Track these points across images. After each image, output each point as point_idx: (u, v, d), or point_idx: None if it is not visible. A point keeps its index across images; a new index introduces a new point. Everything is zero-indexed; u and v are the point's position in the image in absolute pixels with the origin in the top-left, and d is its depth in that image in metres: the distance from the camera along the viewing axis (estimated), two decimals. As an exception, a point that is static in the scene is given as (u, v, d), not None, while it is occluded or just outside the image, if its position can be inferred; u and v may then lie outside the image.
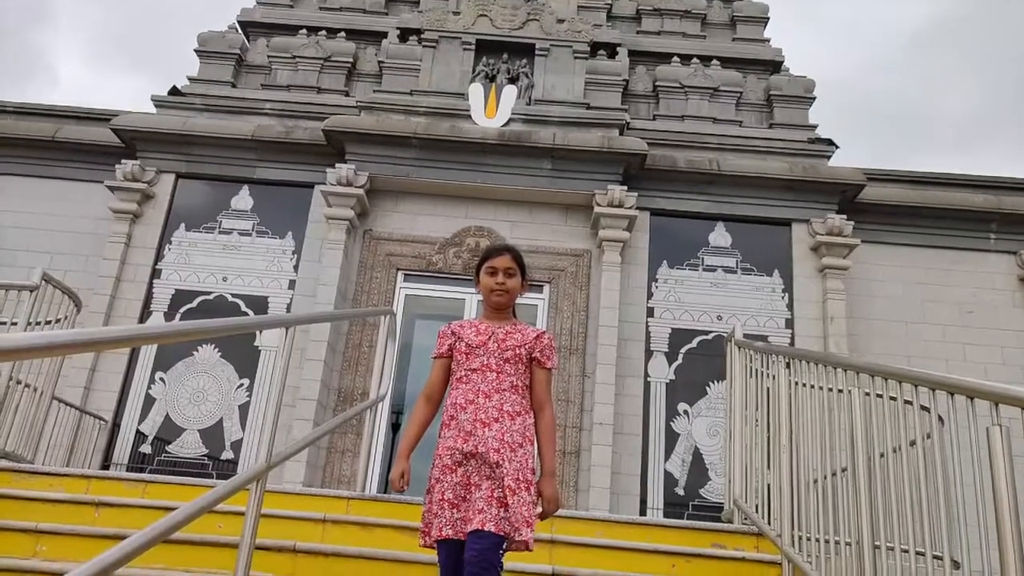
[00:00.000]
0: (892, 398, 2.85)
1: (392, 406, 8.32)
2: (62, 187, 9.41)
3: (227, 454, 8.04)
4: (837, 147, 9.34)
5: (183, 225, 8.94)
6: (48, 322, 5.10)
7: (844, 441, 3.15)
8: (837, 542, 3.12)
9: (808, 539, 3.37)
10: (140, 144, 9.11)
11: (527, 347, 2.75)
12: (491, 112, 9.09)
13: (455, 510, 2.53)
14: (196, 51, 10.03)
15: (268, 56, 10.13)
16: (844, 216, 8.67)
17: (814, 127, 9.62)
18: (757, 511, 4.06)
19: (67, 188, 9.40)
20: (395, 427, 8.44)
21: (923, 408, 2.78)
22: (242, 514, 2.79)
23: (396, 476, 2.67)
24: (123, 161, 8.91)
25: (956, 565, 2.95)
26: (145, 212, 8.91)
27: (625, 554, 3.66)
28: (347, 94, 9.89)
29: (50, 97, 41.66)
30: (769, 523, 3.84)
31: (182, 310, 8.54)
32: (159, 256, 8.79)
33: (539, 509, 2.64)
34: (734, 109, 9.84)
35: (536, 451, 2.73)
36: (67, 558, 3.15)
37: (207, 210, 9.01)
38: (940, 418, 2.65)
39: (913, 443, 2.75)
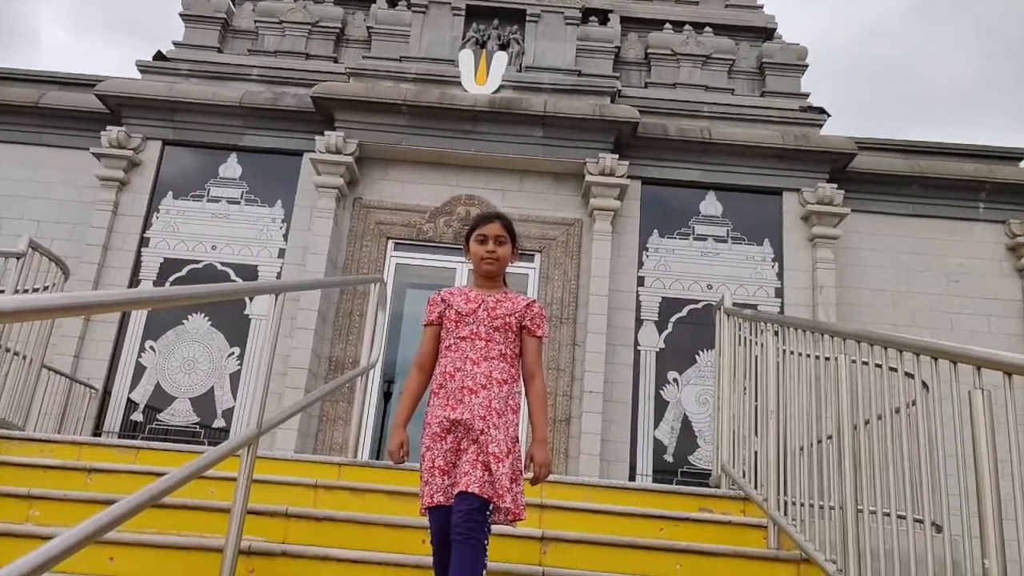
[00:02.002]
0: (878, 365, 2.88)
1: (383, 374, 8.34)
2: (47, 154, 9.28)
3: (219, 422, 8.07)
4: (829, 115, 9.32)
5: (171, 193, 8.85)
6: (35, 289, 5.08)
7: (830, 408, 3.19)
8: (822, 506, 3.17)
9: (794, 503, 3.42)
10: (126, 110, 8.98)
11: (517, 315, 2.74)
12: (482, 79, 8.99)
13: (446, 477, 2.55)
14: (181, 15, 9.85)
15: (255, 21, 9.97)
16: (835, 185, 8.67)
17: (806, 95, 9.58)
18: (744, 477, 4.12)
19: (52, 155, 9.28)
20: (387, 395, 8.47)
21: (908, 375, 2.81)
22: (234, 480, 2.81)
23: (395, 447, 2.67)
24: (108, 128, 8.79)
25: (938, 529, 3.02)
26: (132, 180, 8.81)
27: (614, 518, 3.71)
28: (336, 60, 9.76)
29: (33, 62, 40.96)
30: (756, 488, 3.90)
31: (171, 279, 8.50)
32: (147, 224, 8.71)
33: (530, 474, 2.66)
34: (726, 77, 9.77)
35: (528, 419, 2.75)
36: (60, 523, 3.17)
37: (195, 178, 8.92)
38: (924, 384, 2.68)
39: (898, 410, 2.78)
